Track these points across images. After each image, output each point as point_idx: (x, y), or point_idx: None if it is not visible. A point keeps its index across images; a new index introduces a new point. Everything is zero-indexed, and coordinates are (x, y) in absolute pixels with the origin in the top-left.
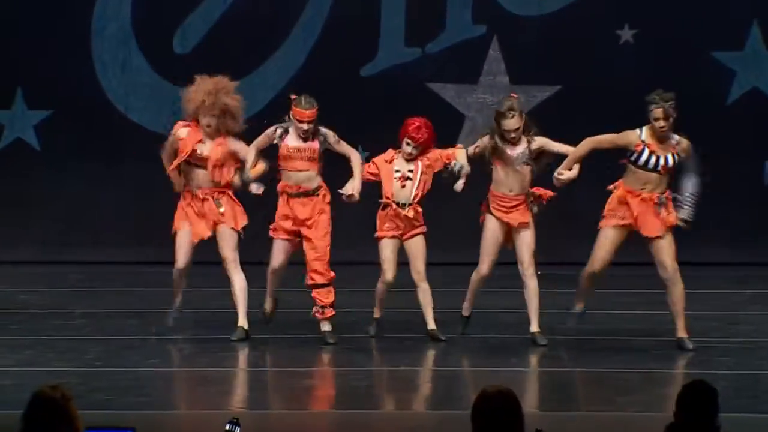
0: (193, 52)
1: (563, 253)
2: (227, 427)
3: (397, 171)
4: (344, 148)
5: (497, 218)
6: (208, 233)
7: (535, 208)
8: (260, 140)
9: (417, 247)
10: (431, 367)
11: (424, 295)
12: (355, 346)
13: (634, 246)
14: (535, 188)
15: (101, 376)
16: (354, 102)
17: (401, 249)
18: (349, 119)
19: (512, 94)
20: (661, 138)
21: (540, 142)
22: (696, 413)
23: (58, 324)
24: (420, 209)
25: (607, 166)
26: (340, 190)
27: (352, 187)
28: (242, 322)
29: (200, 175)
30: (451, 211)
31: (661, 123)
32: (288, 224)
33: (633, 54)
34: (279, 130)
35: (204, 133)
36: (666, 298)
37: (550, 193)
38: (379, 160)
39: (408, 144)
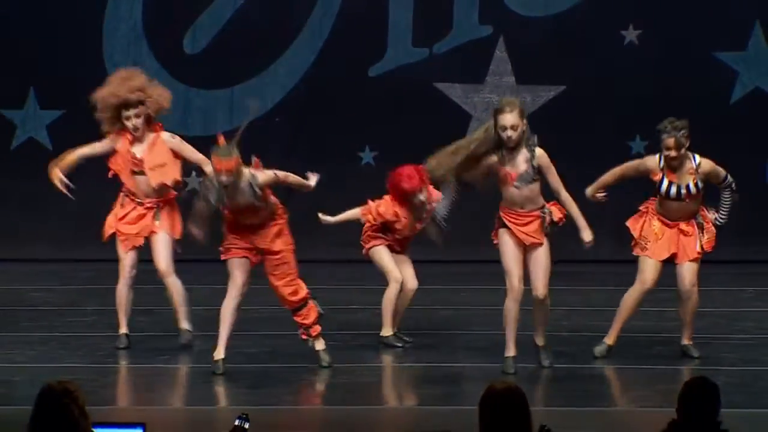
0: (204, 53)
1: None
2: (237, 422)
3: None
4: (290, 179)
5: (511, 232)
6: (140, 242)
7: (549, 228)
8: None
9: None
10: (437, 364)
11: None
12: (362, 343)
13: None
14: (551, 203)
15: (112, 372)
16: (362, 101)
17: None
18: (358, 118)
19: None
20: (675, 167)
21: (541, 160)
22: (698, 409)
23: (70, 321)
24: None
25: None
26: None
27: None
28: (184, 324)
29: (142, 182)
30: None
31: (672, 153)
32: (243, 243)
33: (637, 54)
34: (211, 198)
35: (133, 133)
36: (678, 306)
37: (564, 213)
38: (384, 215)
39: (416, 197)
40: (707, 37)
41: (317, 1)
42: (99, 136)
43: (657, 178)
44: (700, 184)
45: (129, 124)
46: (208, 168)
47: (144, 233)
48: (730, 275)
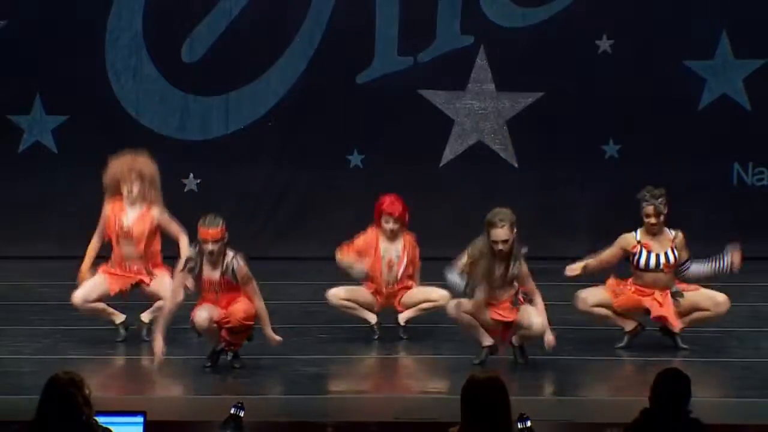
0: (201, 61)
1: (546, 248)
2: (232, 411)
3: (383, 256)
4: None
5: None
6: (127, 287)
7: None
8: (174, 284)
9: (412, 295)
10: (423, 356)
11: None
12: (353, 336)
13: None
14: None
15: (114, 363)
16: (351, 107)
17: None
18: (346, 122)
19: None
20: (655, 234)
21: (520, 271)
22: (669, 399)
23: (74, 315)
24: (408, 284)
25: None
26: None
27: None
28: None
29: (130, 250)
30: (442, 208)
31: (652, 220)
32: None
33: (611, 62)
34: (189, 264)
35: (127, 202)
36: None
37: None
38: (372, 240)
39: (387, 222)
40: (677, 47)
41: (308, 13)
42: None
43: (635, 250)
44: (677, 254)
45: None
46: (183, 241)
47: (133, 281)
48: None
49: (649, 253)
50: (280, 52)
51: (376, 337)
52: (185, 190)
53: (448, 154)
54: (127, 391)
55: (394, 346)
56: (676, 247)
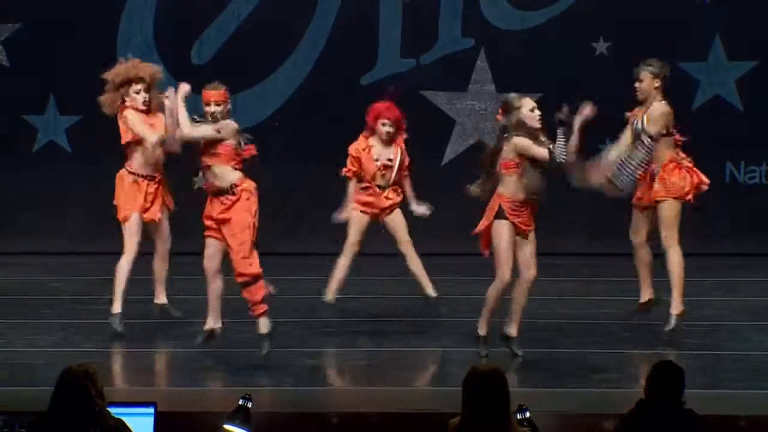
0: (209, 63)
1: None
2: (240, 402)
3: (376, 160)
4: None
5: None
6: (159, 215)
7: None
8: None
9: (398, 221)
10: (424, 348)
11: (417, 264)
12: (358, 330)
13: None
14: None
15: (125, 356)
16: (355, 107)
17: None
18: (351, 122)
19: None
20: (642, 102)
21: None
22: (664, 390)
23: (87, 309)
24: (398, 189)
25: None
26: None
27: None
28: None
29: (149, 156)
30: (443, 206)
31: (635, 85)
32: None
33: (608, 64)
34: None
35: (140, 104)
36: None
37: None
38: (358, 152)
39: (384, 124)
40: (671, 49)
41: (314, 16)
42: (114, 139)
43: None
44: (644, 122)
45: (140, 97)
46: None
47: (158, 209)
48: (691, 267)
49: (636, 119)
50: (287, 54)
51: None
52: (195, 188)
53: (449, 153)
54: (139, 383)
55: (397, 339)
56: (646, 117)
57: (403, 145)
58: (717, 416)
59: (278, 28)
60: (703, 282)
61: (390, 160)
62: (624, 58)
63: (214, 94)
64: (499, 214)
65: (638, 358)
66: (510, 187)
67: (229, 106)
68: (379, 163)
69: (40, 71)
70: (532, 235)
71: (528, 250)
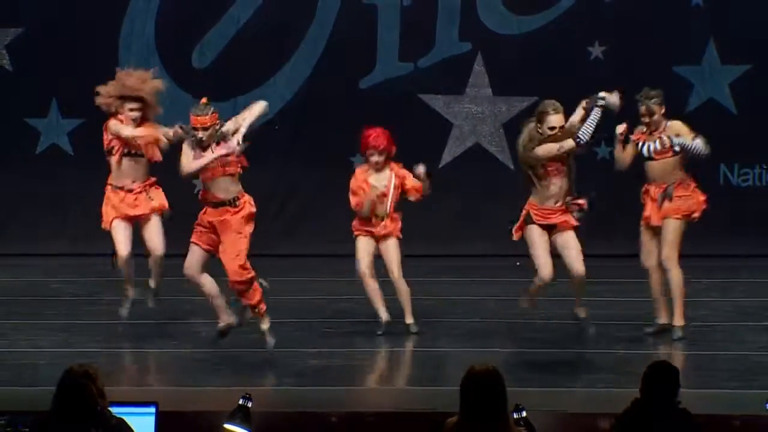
0: (210, 67)
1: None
2: (240, 401)
3: (374, 188)
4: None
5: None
6: (146, 213)
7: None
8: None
9: (391, 252)
10: (422, 349)
11: (402, 295)
12: (357, 330)
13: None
14: None
15: (127, 356)
16: (354, 110)
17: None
18: (350, 125)
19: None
20: (651, 132)
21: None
22: (659, 389)
23: (88, 309)
24: (396, 216)
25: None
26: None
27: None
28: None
29: (135, 167)
30: (440, 208)
31: (646, 119)
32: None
33: (602, 68)
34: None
35: (130, 121)
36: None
37: None
38: (359, 187)
39: (373, 155)
40: (666, 53)
41: (313, 20)
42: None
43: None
44: (664, 139)
45: (132, 115)
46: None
47: (142, 209)
48: (687, 268)
49: (643, 143)
50: (287, 58)
51: (380, 333)
52: (195, 191)
53: (446, 156)
54: (140, 382)
55: (396, 340)
56: (673, 135)
57: (396, 168)
58: (711, 415)
59: (278, 32)
60: (698, 283)
61: (385, 186)
62: (619, 62)
63: (201, 120)
64: (528, 220)
65: (634, 358)
66: (536, 195)
67: (218, 127)
68: (378, 191)
69: (43, 75)
70: (573, 236)
71: (572, 254)
